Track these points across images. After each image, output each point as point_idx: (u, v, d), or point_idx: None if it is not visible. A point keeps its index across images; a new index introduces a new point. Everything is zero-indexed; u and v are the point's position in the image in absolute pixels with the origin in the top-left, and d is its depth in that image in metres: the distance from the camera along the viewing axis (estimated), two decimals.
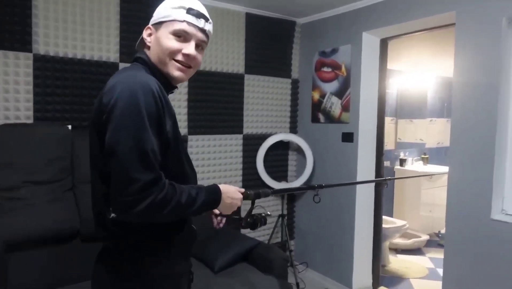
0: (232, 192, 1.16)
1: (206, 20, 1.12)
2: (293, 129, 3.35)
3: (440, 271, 3.42)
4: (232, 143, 3.00)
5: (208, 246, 2.46)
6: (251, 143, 3.09)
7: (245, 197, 1.21)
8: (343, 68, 2.92)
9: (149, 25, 1.13)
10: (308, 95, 3.26)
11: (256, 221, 1.27)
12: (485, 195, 2.09)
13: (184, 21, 1.07)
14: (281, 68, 3.24)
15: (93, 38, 2.37)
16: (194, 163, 2.78)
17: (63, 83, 2.28)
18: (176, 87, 1.19)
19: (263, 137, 3.13)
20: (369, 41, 2.82)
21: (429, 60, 4.25)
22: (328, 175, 3.07)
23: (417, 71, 4.67)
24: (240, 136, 3.04)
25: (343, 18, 2.91)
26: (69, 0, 2.27)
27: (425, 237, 3.99)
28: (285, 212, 3.23)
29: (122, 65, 2.47)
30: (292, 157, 3.38)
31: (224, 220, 1.29)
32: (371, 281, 2.96)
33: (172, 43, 1.08)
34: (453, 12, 2.21)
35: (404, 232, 3.60)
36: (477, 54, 2.13)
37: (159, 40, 1.08)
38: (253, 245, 2.50)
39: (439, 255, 3.86)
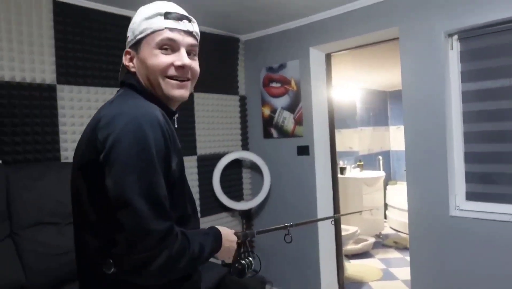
0: (229, 234, 1.05)
1: (189, 20, 0.96)
2: (245, 146, 3.29)
3: (393, 271, 3.61)
4: (187, 166, 2.81)
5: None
6: (206, 164, 2.94)
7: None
8: (293, 83, 2.97)
9: (127, 49, 0.97)
10: (257, 111, 3.23)
11: (245, 267, 1.13)
12: (442, 194, 2.25)
13: (165, 28, 0.91)
14: (229, 85, 3.18)
15: (23, 58, 2.04)
16: None
17: None
18: (176, 113, 1.01)
19: (217, 157, 3.00)
20: (316, 56, 2.91)
21: (356, 74, 4.58)
22: (286, 190, 3.05)
23: (346, 84, 4.99)
24: (195, 158, 2.87)
25: (289, 34, 2.96)
26: None
27: (371, 240, 4.20)
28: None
29: (60, 87, 2.16)
30: (246, 175, 3.30)
31: None
32: None
33: (160, 58, 0.91)
34: (396, 27, 2.39)
35: (357, 237, 3.74)
36: (421, 66, 2.31)
37: (144, 61, 0.92)
38: (224, 272, 2.33)
39: (386, 255, 4.09)
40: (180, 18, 0.94)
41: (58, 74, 2.16)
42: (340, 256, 3.03)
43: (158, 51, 0.91)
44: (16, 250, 1.80)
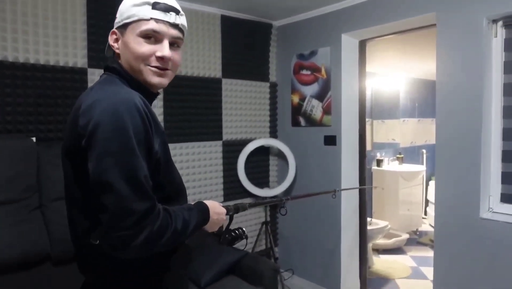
0: (217, 207, 1.09)
1: (177, 12, 0.98)
2: (273, 133, 3.27)
3: (423, 270, 3.45)
4: (212, 150, 2.86)
5: (193, 260, 2.31)
6: (231, 150, 2.97)
7: (227, 211, 1.16)
8: (323, 71, 2.87)
9: (114, 29, 1.00)
10: (287, 98, 3.19)
11: (235, 237, 1.21)
12: (473, 193, 2.08)
13: (151, 18, 0.93)
14: (259, 71, 3.15)
15: (57, 42, 2.17)
16: None
17: (25, 91, 2.06)
18: (158, 93, 1.06)
19: (243, 143, 3.02)
20: (348, 43, 2.79)
21: (400, 62, 4.32)
22: (311, 179, 3.00)
23: (389, 73, 4.74)
24: (220, 142, 2.91)
25: (321, 20, 2.86)
26: (29, 0, 2.07)
27: (405, 236, 4.03)
28: (268, 218, 3.14)
29: (91, 71, 2.28)
30: (273, 162, 3.29)
31: None
32: (359, 284, 2.92)
33: (143, 47, 0.94)
34: (433, 13, 2.21)
35: (387, 232, 3.61)
36: (459, 55, 2.13)
37: (127, 45, 0.95)
38: (240, 256, 2.37)
39: (420, 253, 3.91)
40: (168, 9, 0.95)
41: (89, 58, 2.28)
42: (364, 250, 2.95)
43: (141, 40, 0.94)
44: (43, 220, 1.96)
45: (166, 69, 0.98)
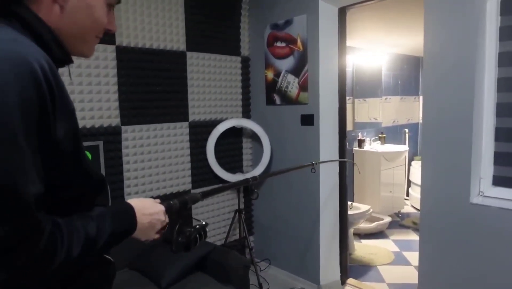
0: (148, 206, 0.82)
1: None
2: (246, 113, 2.99)
3: (406, 255, 3.30)
4: (177, 133, 2.57)
5: (153, 256, 2.06)
6: (199, 131, 2.69)
7: (168, 208, 0.87)
8: (299, 42, 2.59)
9: None
10: (261, 74, 2.90)
11: (191, 238, 0.90)
12: (462, 176, 1.88)
13: None
14: (229, 44, 2.84)
15: None
16: (131, 158, 2.34)
17: None
18: (71, 62, 0.78)
19: (213, 124, 2.74)
20: (327, 10, 2.50)
21: (383, 35, 4.06)
22: (287, 162, 2.76)
23: (371, 48, 4.49)
24: (186, 124, 2.61)
25: None
26: None
27: (387, 219, 3.87)
28: (242, 206, 2.90)
29: None
30: (246, 145, 3.03)
31: None
32: (339, 274, 2.73)
33: (105, 18, 0.79)
34: None
35: (369, 216, 3.43)
36: (448, 20, 1.88)
37: (91, 9, 0.75)
38: (207, 251, 2.13)
39: (402, 236, 3.77)
40: None
41: None
42: (345, 236, 2.75)
43: (106, 7, 0.78)
44: None
45: None
